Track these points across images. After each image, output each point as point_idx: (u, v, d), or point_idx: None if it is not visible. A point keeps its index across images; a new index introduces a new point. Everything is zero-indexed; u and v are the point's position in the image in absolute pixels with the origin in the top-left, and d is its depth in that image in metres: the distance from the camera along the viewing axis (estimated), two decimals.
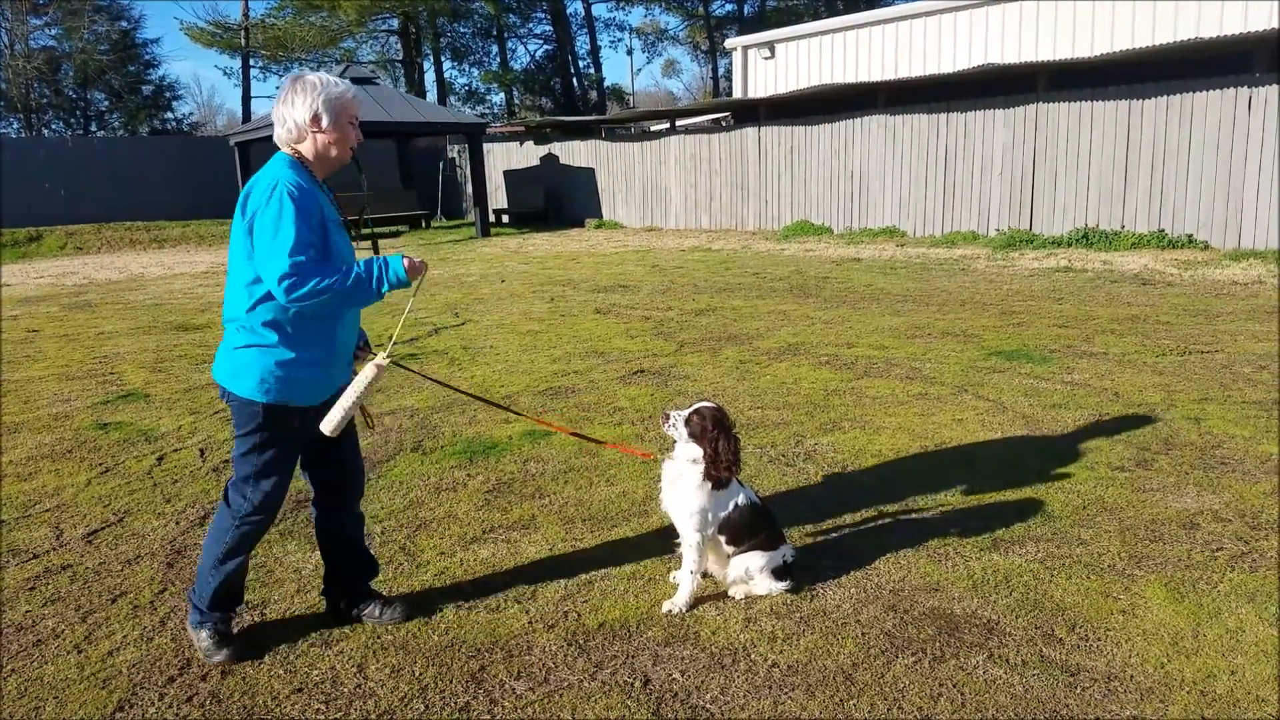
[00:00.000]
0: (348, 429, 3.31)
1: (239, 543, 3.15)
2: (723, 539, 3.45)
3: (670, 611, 3.36)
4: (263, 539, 4.09)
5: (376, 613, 3.38)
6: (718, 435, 3.35)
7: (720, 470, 3.34)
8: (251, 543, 3.20)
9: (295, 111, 2.98)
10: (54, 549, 4.15)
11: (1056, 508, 4.19)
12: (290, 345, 2.98)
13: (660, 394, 6.46)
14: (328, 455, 3.28)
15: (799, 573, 3.51)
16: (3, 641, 3.33)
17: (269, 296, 2.91)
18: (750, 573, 3.42)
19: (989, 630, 3.16)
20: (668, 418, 3.45)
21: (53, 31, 40.14)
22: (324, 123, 2.99)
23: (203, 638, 3.16)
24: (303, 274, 2.80)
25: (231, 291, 3.00)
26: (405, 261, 2.98)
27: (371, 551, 3.55)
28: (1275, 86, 12.02)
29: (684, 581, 3.42)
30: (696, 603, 3.41)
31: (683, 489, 3.40)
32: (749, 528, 3.44)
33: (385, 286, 2.94)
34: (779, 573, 3.44)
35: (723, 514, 3.42)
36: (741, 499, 3.45)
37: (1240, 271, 11.12)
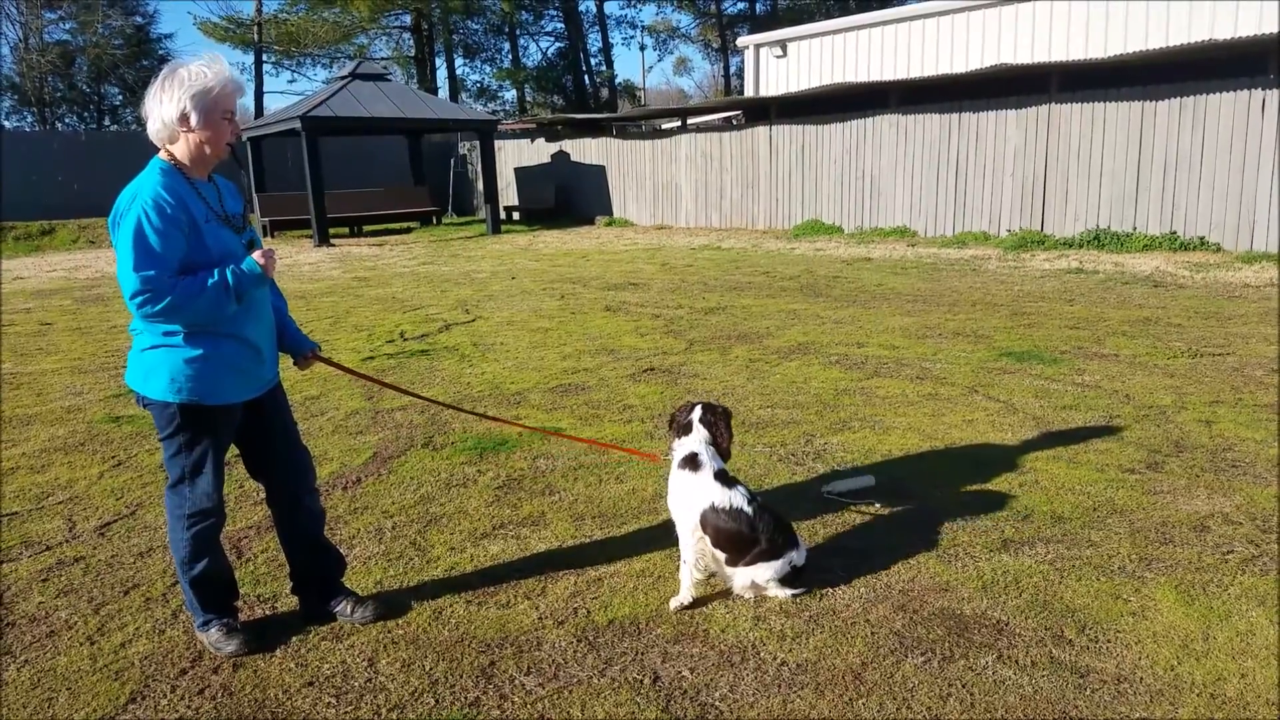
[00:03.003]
0: (287, 424, 3.32)
1: (197, 546, 3.10)
2: (707, 538, 3.35)
3: (675, 608, 3.36)
4: (275, 533, 4.13)
5: (348, 610, 3.36)
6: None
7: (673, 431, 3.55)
8: (210, 542, 3.14)
9: (165, 109, 2.86)
10: (67, 541, 4.18)
11: (1066, 509, 4.18)
12: (196, 343, 2.92)
13: (670, 392, 6.46)
14: (263, 455, 3.28)
15: (810, 573, 3.51)
16: (16, 633, 3.36)
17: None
18: (757, 585, 3.39)
19: (998, 631, 3.16)
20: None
21: (67, 26, 40.39)
22: (193, 121, 2.87)
23: (211, 633, 3.17)
24: (156, 290, 2.76)
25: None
26: (258, 257, 2.96)
27: (388, 541, 3.56)
28: None
29: (682, 576, 3.43)
30: (705, 600, 3.42)
31: (671, 481, 3.49)
32: (739, 537, 3.32)
33: (244, 287, 2.91)
34: (788, 579, 3.40)
35: (699, 507, 3.34)
36: (722, 500, 3.33)
37: (1252, 274, 11.07)
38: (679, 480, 3.44)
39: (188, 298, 2.80)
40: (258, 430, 3.23)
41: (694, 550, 3.39)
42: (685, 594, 3.38)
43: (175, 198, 2.85)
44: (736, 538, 3.33)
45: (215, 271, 2.87)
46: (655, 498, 4.42)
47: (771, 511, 3.45)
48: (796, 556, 3.42)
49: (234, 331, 2.99)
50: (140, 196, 2.80)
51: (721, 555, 3.38)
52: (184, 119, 2.86)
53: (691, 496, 3.39)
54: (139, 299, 2.76)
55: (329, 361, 3.59)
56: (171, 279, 2.80)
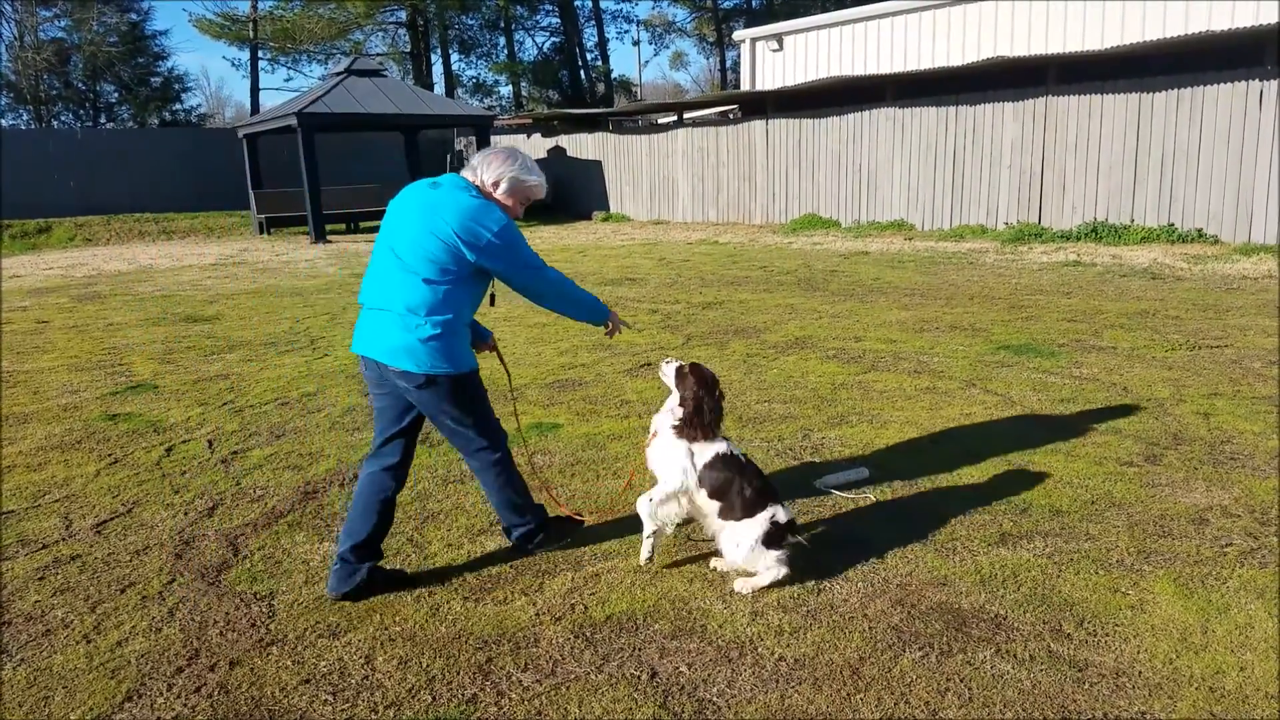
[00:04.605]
0: None
1: (508, 474, 3.72)
2: (704, 491, 3.50)
3: (644, 559, 3.60)
4: (272, 530, 4.13)
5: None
6: (702, 392, 3.55)
7: (696, 427, 3.53)
8: (512, 466, 3.75)
9: (486, 172, 3.52)
10: (63, 539, 4.17)
11: (1065, 503, 4.18)
12: (461, 328, 3.50)
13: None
14: (421, 423, 3.71)
15: (807, 566, 3.50)
16: (12, 631, 3.35)
17: (448, 286, 3.38)
18: (740, 545, 3.42)
19: (997, 625, 3.16)
20: (668, 363, 3.73)
21: (62, 23, 40.21)
22: (499, 191, 3.52)
23: (554, 544, 3.82)
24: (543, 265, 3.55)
25: (411, 285, 3.37)
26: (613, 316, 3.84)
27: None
28: None
29: (643, 511, 3.55)
30: (703, 598, 3.41)
31: (668, 442, 3.56)
32: (728, 483, 3.47)
33: (590, 315, 3.79)
34: (771, 539, 3.42)
35: (702, 464, 3.51)
36: (724, 448, 3.52)
37: (1250, 266, 11.07)
38: (696, 449, 3.54)
39: (559, 280, 3.63)
40: None
41: (669, 508, 3.54)
42: (647, 534, 3.59)
43: None
44: (727, 485, 3.48)
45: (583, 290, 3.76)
46: None
47: (756, 468, 3.60)
48: (779, 512, 3.48)
49: (469, 319, 3.60)
50: (508, 218, 3.46)
51: (715, 505, 3.49)
52: (495, 185, 3.52)
53: (700, 459, 3.52)
54: (545, 269, 3.54)
55: (499, 354, 4.01)
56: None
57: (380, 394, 3.59)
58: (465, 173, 3.55)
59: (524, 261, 3.50)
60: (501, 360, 4.04)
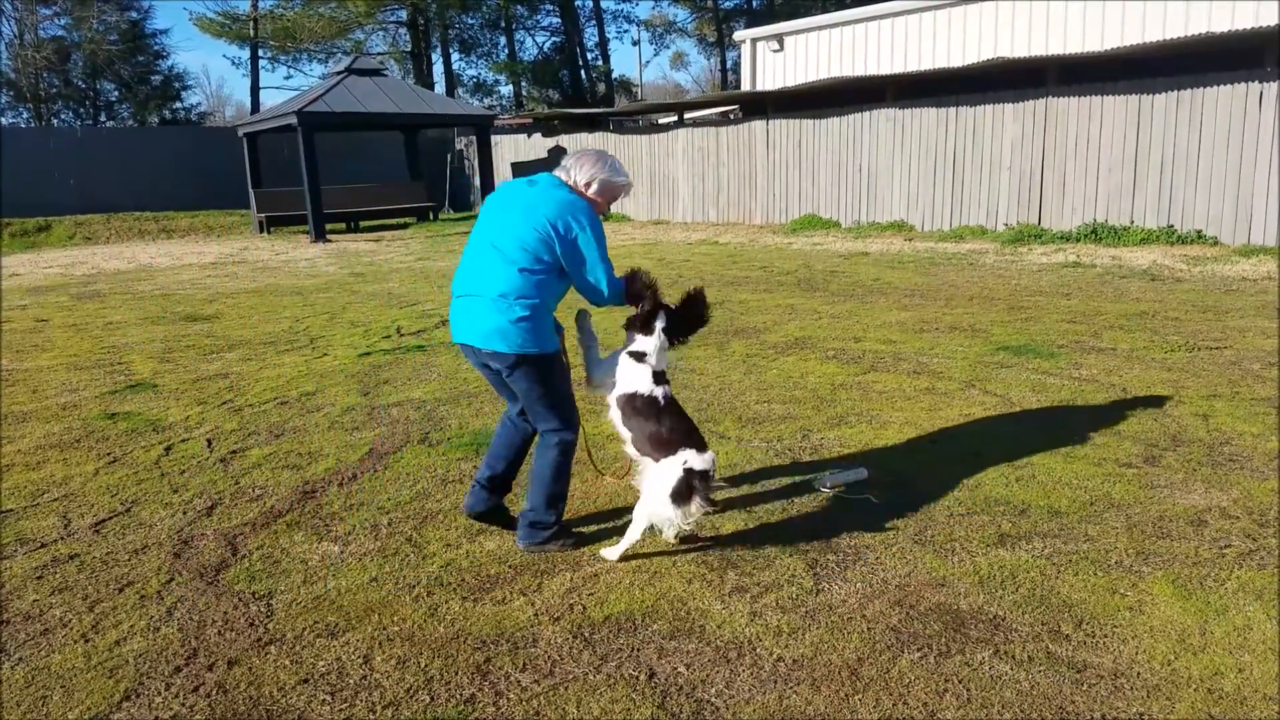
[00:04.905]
0: None
1: (565, 462, 3.84)
2: (620, 413, 3.77)
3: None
4: (270, 530, 4.13)
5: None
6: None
7: (635, 321, 3.86)
8: (571, 458, 3.89)
9: (579, 173, 3.82)
10: (62, 538, 4.16)
11: (1064, 504, 4.18)
12: (548, 313, 3.74)
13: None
14: None
15: (806, 567, 3.50)
16: (10, 630, 3.35)
17: (541, 275, 3.64)
18: (650, 493, 3.61)
19: (995, 626, 3.16)
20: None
21: (62, 21, 40.15)
22: (590, 191, 3.82)
23: (556, 546, 3.84)
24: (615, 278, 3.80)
25: (507, 274, 3.62)
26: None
27: (384, 537, 3.65)
28: None
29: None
30: (702, 598, 3.41)
31: (621, 362, 3.86)
32: (645, 423, 3.68)
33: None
34: (680, 493, 3.52)
35: (624, 390, 3.75)
36: (645, 389, 3.71)
37: (1250, 267, 11.07)
38: (625, 364, 3.84)
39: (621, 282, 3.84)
40: None
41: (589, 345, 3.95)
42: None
43: None
44: (643, 424, 3.71)
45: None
46: None
47: (681, 416, 3.76)
48: (693, 457, 3.58)
49: (554, 309, 3.84)
50: (594, 214, 3.76)
51: (627, 434, 3.77)
52: (587, 185, 3.82)
53: (625, 380, 3.79)
54: (617, 283, 3.78)
55: (562, 345, 4.05)
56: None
57: (491, 375, 3.89)
58: (558, 172, 3.84)
59: (600, 257, 3.75)
60: (564, 351, 4.14)
